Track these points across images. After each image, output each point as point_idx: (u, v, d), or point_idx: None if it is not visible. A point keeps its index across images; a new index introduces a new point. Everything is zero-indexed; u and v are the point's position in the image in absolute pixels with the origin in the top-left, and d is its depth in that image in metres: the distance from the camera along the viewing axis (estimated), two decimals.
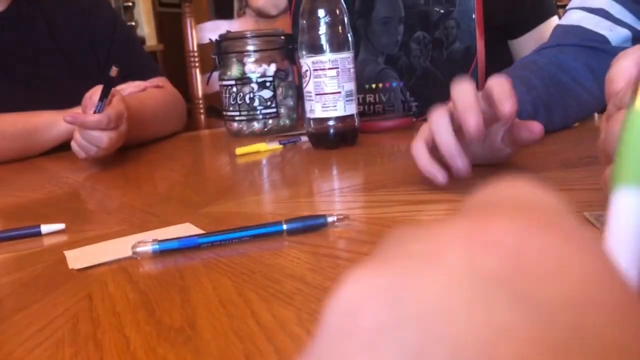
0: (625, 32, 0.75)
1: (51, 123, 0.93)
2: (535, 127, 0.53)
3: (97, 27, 1.12)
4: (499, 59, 1.19)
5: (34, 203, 0.69)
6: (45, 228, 0.53)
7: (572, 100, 0.76)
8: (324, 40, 0.79)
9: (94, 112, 0.79)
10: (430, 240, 0.12)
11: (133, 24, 3.93)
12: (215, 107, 1.74)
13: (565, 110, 0.76)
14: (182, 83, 1.60)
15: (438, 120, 0.52)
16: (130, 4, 3.79)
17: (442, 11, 0.92)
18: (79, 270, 0.42)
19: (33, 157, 0.96)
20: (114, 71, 0.81)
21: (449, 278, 0.11)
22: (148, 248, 0.43)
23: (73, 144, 0.82)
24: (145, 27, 6.25)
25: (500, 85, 0.50)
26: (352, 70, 0.81)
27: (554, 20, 1.15)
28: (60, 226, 0.53)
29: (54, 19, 1.09)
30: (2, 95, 0.96)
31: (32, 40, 1.06)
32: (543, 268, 0.11)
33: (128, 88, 1.04)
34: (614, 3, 0.76)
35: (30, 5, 1.07)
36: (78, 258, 0.45)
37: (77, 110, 0.85)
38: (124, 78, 1.09)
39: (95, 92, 0.82)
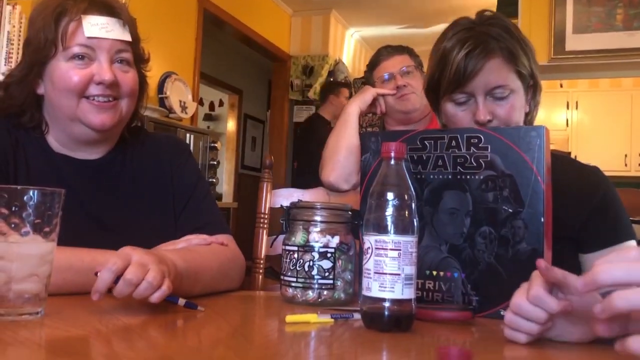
0: None
1: None
2: None
3: (181, 183, 1.20)
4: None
5: (78, 339, 0.69)
6: None
7: None
8: (389, 222, 0.80)
9: None
10: None
11: (214, 181, 4.20)
12: (274, 270, 1.76)
13: None
14: (249, 241, 1.64)
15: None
16: (216, 162, 4.09)
17: (510, 210, 0.93)
18: None
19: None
20: None
21: None
22: None
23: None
24: (225, 185, 6.69)
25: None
26: (414, 254, 0.81)
27: (630, 245, 1.12)
28: None
29: (140, 167, 1.18)
30: (90, 238, 0.99)
31: (118, 186, 1.15)
32: None
33: (195, 239, 1.09)
34: None
35: (121, 154, 1.18)
36: None
37: None
38: (193, 230, 1.14)
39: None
